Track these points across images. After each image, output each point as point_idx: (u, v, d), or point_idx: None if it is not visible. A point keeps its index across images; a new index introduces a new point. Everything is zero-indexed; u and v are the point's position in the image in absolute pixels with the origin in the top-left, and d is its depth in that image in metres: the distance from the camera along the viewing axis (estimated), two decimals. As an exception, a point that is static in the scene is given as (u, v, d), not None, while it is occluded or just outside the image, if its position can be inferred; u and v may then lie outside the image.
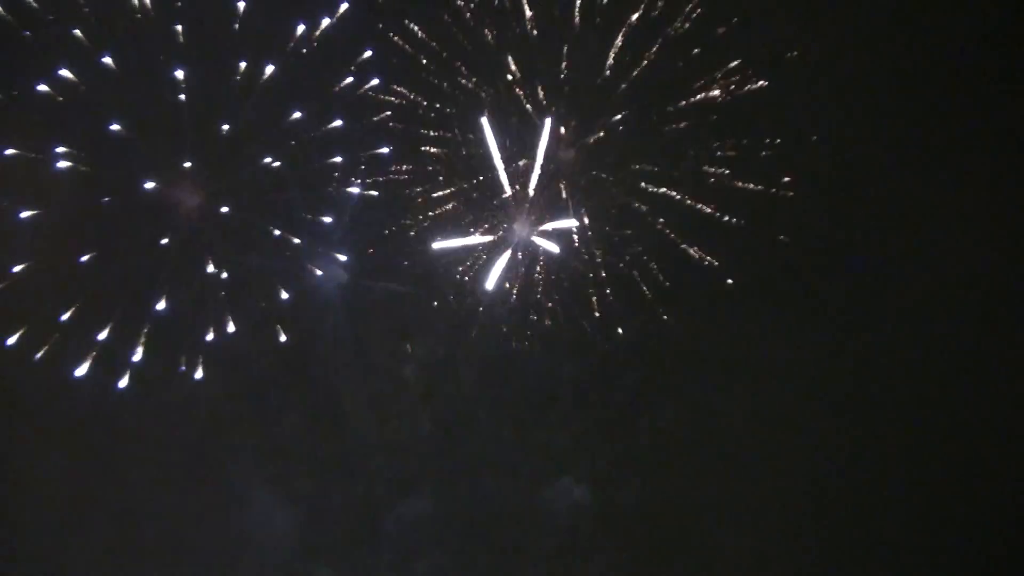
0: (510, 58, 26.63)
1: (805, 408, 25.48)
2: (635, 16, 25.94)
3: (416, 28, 26.23)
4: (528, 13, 26.62)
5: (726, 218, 25.47)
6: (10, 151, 22.49)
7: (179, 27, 23.50)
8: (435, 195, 26.88)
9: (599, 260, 26.51)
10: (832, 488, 25.46)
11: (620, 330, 26.09)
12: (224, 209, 24.38)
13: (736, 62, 25.33)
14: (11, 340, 23.23)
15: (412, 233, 26.78)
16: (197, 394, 24.29)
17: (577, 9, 26.20)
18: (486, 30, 26.61)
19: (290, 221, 24.99)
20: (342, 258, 25.80)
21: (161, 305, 24.05)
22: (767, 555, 25.73)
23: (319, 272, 25.67)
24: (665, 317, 25.82)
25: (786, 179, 25.20)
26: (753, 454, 25.71)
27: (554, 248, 26.59)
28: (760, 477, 25.60)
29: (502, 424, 27.37)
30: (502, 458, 27.14)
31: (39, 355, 23.56)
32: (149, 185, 23.62)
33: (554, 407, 27.18)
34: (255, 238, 24.82)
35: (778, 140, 25.09)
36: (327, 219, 24.82)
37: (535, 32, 26.54)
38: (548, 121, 26.58)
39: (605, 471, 26.77)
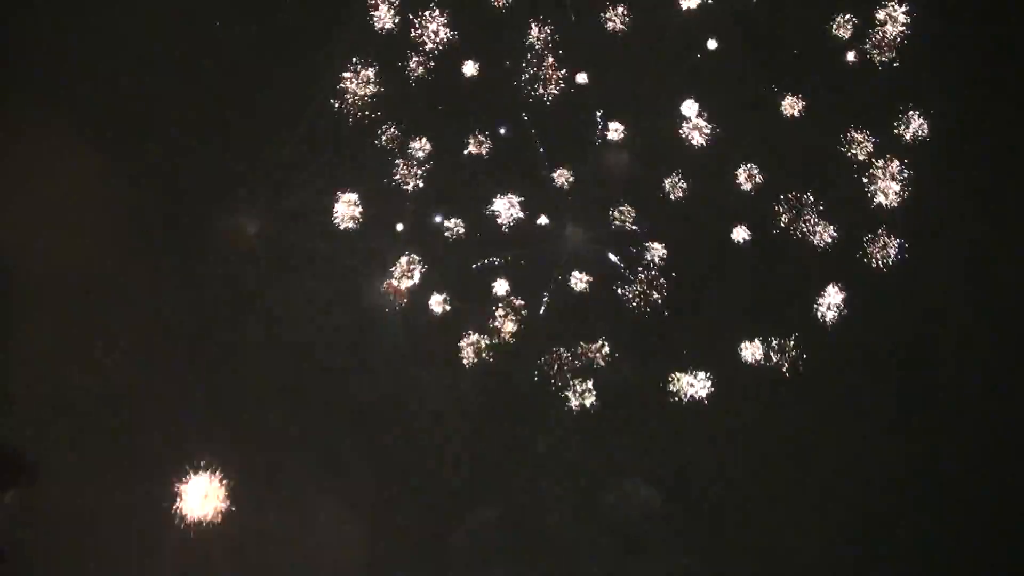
0: (554, 60, 25.55)
1: (882, 412, 24.91)
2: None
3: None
4: (573, 17, 25.73)
5: (792, 224, 24.95)
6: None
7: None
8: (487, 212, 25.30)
9: (661, 268, 25.78)
10: (912, 491, 24.67)
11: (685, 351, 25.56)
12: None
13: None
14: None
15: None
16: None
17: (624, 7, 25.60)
18: (531, 32, 25.47)
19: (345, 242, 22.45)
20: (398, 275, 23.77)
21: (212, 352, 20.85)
22: (837, 557, 24.69)
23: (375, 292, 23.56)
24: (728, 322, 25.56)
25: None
26: (826, 456, 24.83)
27: (613, 257, 25.77)
28: (832, 479, 24.79)
29: (565, 430, 25.90)
30: (566, 465, 25.70)
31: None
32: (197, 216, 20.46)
33: (618, 413, 26.02)
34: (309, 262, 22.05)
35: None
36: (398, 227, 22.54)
37: (581, 34, 25.70)
38: (600, 125, 25.91)
39: (671, 474, 25.80)
